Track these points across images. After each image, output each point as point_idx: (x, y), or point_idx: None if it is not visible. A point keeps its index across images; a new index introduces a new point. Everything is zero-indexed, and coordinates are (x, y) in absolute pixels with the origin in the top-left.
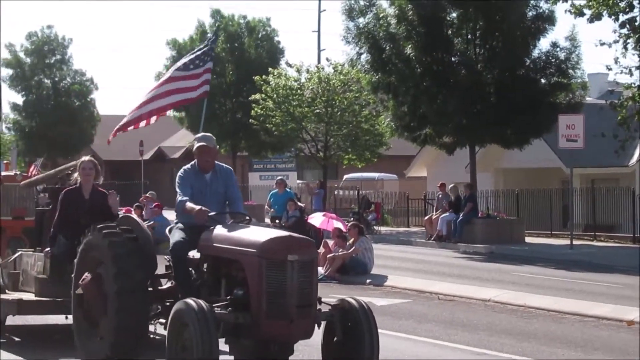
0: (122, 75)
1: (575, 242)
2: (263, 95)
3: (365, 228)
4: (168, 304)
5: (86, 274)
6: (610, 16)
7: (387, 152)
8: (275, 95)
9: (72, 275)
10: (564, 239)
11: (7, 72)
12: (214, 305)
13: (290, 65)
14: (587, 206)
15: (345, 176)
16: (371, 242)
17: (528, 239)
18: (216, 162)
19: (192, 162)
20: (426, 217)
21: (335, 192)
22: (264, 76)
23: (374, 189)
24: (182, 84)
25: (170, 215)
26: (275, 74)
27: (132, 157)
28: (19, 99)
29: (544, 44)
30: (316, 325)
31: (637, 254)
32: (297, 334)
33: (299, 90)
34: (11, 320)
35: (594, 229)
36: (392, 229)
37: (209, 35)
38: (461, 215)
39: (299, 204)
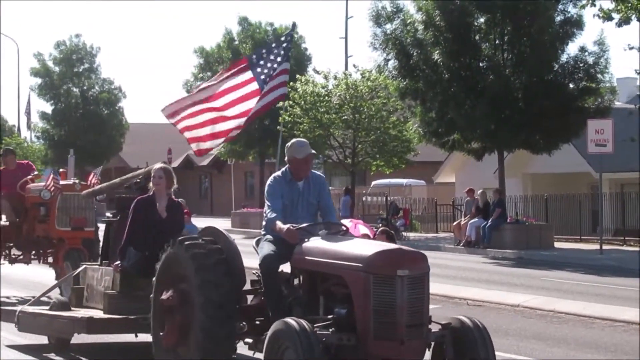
0: (150, 84)
1: (604, 247)
2: (291, 102)
3: (394, 234)
4: (258, 322)
5: (170, 291)
6: (639, 20)
7: (415, 158)
8: (302, 102)
9: (152, 293)
10: (594, 244)
11: (36, 81)
12: (314, 325)
13: (317, 72)
14: (617, 211)
15: (374, 182)
16: None
17: (557, 244)
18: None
19: (283, 170)
20: (455, 223)
21: (364, 199)
22: (291, 83)
23: (402, 195)
24: (257, 87)
25: (199, 222)
26: (302, 80)
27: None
28: (48, 108)
29: (572, 48)
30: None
31: None
32: (408, 356)
33: (326, 97)
34: (75, 338)
35: (623, 233)
36: (421, 235)
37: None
38: (490, 220)
39: None
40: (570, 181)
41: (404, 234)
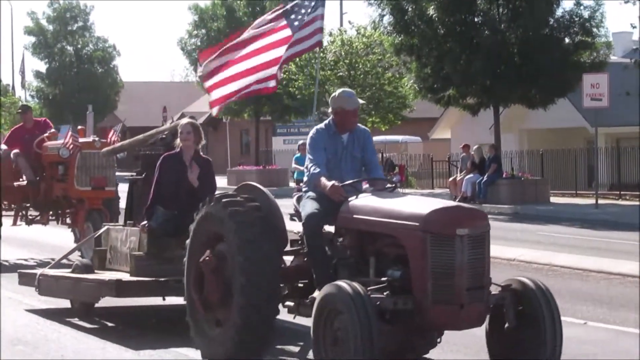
0: (145, 42)
1: (600, 201)
2: None
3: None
4: (301, 284)
5: (207, 252)
6: None
7: (411, 115)
8: (297, 59)
9: (185, 254)
10: (589, 199)
11: (30, 39)
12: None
13: None
14: (612, 165)
15: None
16: None
17: (553, 199)
18: None
19: (327, 121)
20: (450, 179)
21: None
22: None
23: (398, 152)
24: (290, 33)
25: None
26: None
27: (156, 123)
28: (42, 67)
29: (567, 2)
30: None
31: None
32: (468, 321)
33: (321, 54)
34: (99, 302)
35: (619, 188)
36: (417, 191)
37: None
38: (485, 176)
39: None
40: (566, 136)
41: (400, 190)
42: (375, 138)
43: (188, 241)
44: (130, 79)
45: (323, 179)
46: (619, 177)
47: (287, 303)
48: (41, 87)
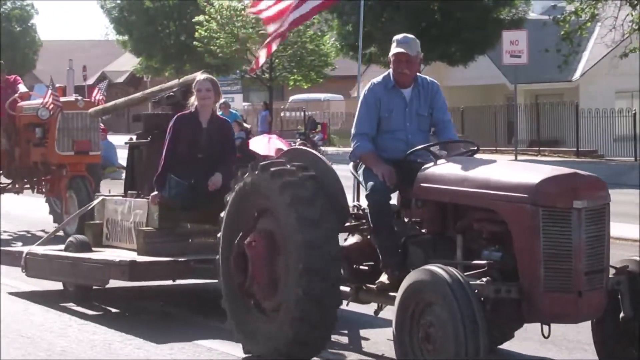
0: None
1: (520, 157)
2: (207, 17)
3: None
4: (366, 267)
5: (249, 229)
6: None
7: (333, 73)
8: (219, 17)
9: (219, 233)
10: (509, 155)
11: None
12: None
13: None
14: (532, 122)
15: (291, 97)
16: None
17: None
18: (419, 74)
19: (385, 74)
20: None
21: (282, 114)
22: None
23: (320, 110)
24: None
25: (115, 139)
26: None
27: (76, 82)
28: None
29: None
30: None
31: (581, 168)
32: (587, 311)
33: (242, 11)
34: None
35: (538, 144)
36: (339, 149)
37: None
38: None
39: (245, 125)
40: (486, 93)
41: (322, 148)
42: (298, 96)
43: (224, 215)
44: (49, 38)
45: (371, 158)
46: (538, 134)
47: (342, 288)
48: None
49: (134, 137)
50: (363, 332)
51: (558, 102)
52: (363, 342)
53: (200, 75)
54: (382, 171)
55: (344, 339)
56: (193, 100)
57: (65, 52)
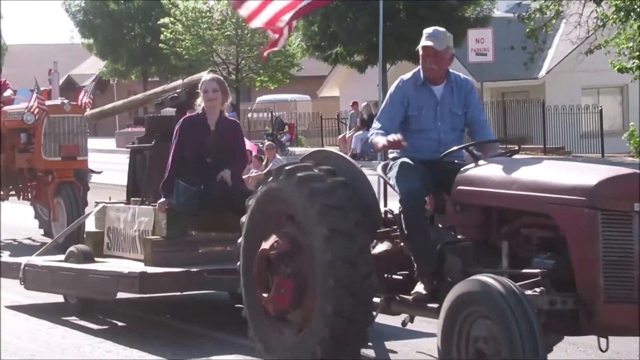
0: (28, 3)
1: None
2: (172, 19)
3: (279, 149)
4: (399, 276)
5: (273, 237)
6: None
7: (299, 73)
8: (184, 19)
9: (239, 240)
10: None
11: None
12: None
13: None
14: (499, 119)
15: (258, 98)
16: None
17: None
18: (451, 70)
19: (415, 70)
20: (340, 136)
21: (249, 115)
22: None
23: (288, 110)
24: None
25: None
26: None
27: (42, 86)
28: None
29: None
30: None
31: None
32: None
33: (208, 13)
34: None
35: (505, 141)
36: (307, 149)
37: None
38: None
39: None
40: None
41: (290, 148)
42: (265, 97)
43: (244, 220)
44: (14, 42)
45: (376, 138)
46: (505, 131)
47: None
48: None
49: (136, 141)
50: (390, 345)
51: (524, 99)
52: (392, 356)
53: (206, 75)
54: (389, 138)
55: (370, 352)
56: (200, 101)
57: (31, 56)
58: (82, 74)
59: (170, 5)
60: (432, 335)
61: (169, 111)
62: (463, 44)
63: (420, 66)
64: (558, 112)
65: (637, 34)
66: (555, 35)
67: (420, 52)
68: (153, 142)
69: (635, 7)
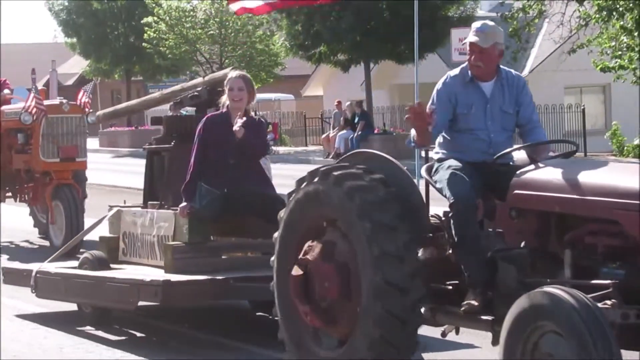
0: (10, 3)
1: None
2: (155, 18)
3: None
4: (447, 286)
5: (309, 243)
6: None
7: (283, 72)
8: (167, 18)
9: (273, 257)
10: None
11: None
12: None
13: None
14: None
15: None
16: (269, 162)
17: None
18: (502, 67)
19: (463, 66)
20: (323, 136)
21: None
22: None
23: (271, 110)
24: None
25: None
26: None
27: (25, 84)
28: None
29: None
30: None
31: None
32: None
33: (191, 12)
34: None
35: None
36: (290, 149)
37: None
38: (357, 132)
39: None
40: None
41: (274, 148)
42: None
43: (277, 235)
44: None
45: (415, 128)
46: None
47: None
48: None
49: (154, 142)
50: (427, 356)
51: None
52: None
53: (231, 72)
54: (428, 120)
55: None
56: (224, 99)
57: (14, 56)
58: (65, 73)
59: (154, 5)
60: (470, 346)
61: (159, 110)
62: (446, 43)
63: (466, 63)
64: (541, 111)
65: (620, 33)
66: (538, 34)
67: (467, 48)
68: (172, 143)
69: (618, 6)
